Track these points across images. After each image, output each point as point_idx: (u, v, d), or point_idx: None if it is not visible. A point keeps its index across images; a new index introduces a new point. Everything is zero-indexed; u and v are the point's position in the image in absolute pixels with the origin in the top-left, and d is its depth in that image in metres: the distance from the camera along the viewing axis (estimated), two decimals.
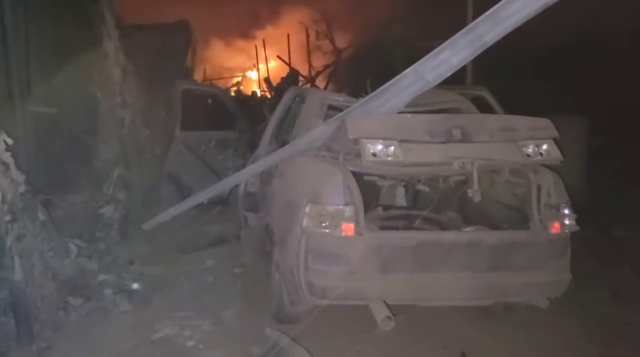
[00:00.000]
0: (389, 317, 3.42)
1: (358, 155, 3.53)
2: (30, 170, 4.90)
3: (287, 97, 5.28)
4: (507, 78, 10.63)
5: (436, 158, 3.49)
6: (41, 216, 4.09)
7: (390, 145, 3.40)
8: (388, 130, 3.48)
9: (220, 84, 18.16)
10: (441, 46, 3.32)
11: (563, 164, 7.70)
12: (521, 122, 3.74)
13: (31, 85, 5.94)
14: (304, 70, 17.29)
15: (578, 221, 3.81)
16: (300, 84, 16.42)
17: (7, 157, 3.72)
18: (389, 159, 3.40)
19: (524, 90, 10.22)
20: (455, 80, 7.82)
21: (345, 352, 3.83)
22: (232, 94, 17.28)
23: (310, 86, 16.55)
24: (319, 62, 17.75)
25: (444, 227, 4.11)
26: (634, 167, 8.39)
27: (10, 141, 3.70)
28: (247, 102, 13.96)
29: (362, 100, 3.81)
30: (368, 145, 3.41)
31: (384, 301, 3.54)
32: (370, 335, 3.92)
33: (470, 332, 4.13)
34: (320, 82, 16.89)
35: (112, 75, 6.46)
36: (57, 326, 4.03)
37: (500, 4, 3.09)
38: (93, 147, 6.23)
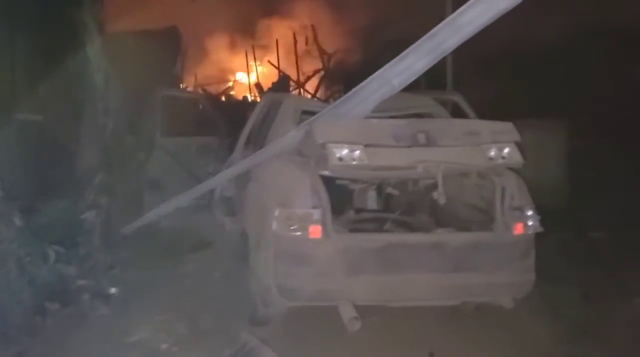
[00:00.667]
0: (355, 317, 3.50)
1: (326, 159, 3.61)
2: (13, 176, 4.99)
3: (263, 103, 5.38)
4: (492, 82, 10.82)
5: (401, 162, 3.58)
6: (17, 221, 4.15)
7: (355, 150, 3.49)
8: (354, 135, 3.57)
9: (212, 89, 18.28)
10: (405, 52, 3.42)
11: (542, 167, 7.82)
12: (484, 126, 3.84)
13: (16, 92, 6.01)
14: (295, 74, 17.43)
15: (542, 222, 3.91)
16: (291, 88, 16.57)
17: None
18: (355, 163, 3.49)
19: (509, 93, 10.36)
20: (435, 84, 7.99)
21: (316, 353, 3.90)
22: (223, 99, 17.43)
23: (300, 91, 16.71)
24: (310, 67, 17.88)
25: (413, 229, 4.19)
26: (617, 169, 8.49)
27: None
28: (238, 107, 14.05)
29: (331, 105, 3.90)
30: (334, 149, 3.49)
31: (352, 302, 3.62)
32: (341, 336, 3.98)
33: (440, 332, 4.19)
34: (311, 86, 17.04)
35: (95, 82, 6.54)
36: (33, 331, 4.06)
37: (458, 11, 3.19)
38: (77, 154, 6.30)
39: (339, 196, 4.47)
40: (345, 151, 3.48)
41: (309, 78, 17.36)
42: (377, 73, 3.55)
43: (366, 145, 3.52)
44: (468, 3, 3.17)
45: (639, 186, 7.67)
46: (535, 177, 7.14)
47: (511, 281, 3.77)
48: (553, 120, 8.15)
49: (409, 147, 3.59)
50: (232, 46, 19.36)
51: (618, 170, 8.35)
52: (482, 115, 5.32)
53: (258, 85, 17.50)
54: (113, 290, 4.84)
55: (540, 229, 3.84)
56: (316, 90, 16.60)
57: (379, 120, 3.84)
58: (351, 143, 3.49)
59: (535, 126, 7.87)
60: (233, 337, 4.00)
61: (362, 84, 3.64)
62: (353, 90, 3.71)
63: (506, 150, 3.70)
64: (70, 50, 6.53)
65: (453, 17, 3.23)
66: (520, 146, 3.76)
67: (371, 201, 4.59)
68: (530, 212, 3.81)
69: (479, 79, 10.74)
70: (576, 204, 7.48)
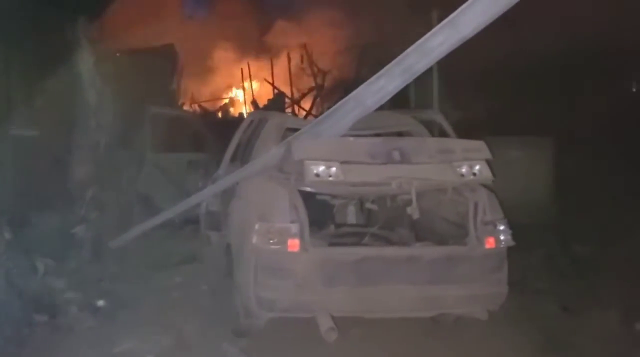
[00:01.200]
0: (332, 328, 3.63)
1: (304, 175, 3.76)
2: (5, 190, 5.13)
3: (248, 120, 5.55)
4: (484, 100, 11.03)
5: (375, 178, 3.73)
6: (7, 235, 4.27)
7: (332, 166, 3.65)
8: (330, 152, 3.73)
9: (209, 106, 18.53)
10: (377, 74, 3.60)
11: (530, 183, 7.92)
12: (457, 144, 4.00)
13: (12, 109, 6.16)
14: (291, 91, 17.69)
15: (529, 237, 4.05)
16: (286, 105, 16.81)
17: None
18: (331, 179, 3.65)
19: (498, 111, 10.56)
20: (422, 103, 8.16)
21: None
22: (220, 115, 17.65)
23: (294, 108, 16.96)
24: (305, 84, 18.14)
25: (391, 243, 4.32)
26: (604, 185, 8.62)
27: None
28: (233, 123, 14.20)
29: (310, 124, 4.07)
30: (311, 166, 3.65)
31: (330, 313, 3.74)
32: (323, 347, 4.07)
33: (421, 344, 4.27)
34: (307, 104, 17.29)
35: (88, 99, 6.72)
36: (21, 342, 4.15)
37: (425, 37, 3.38)
38: (70, 168, 6.46)
39: (321, 211, 4.63)
40: (321, 168, 3.65)
41: (303, 95, 17.61)
42: (351, 94, 3.73)
43: (342, 162, 3.68)
44: (434, 29, 3.36)
45: (626, 200, 7.83)
46: (523, 192, 7.37)
47: (484, 293, 3.90)
48: (541, 137, 8.30)
49: (383, 164, 3.75)
50: (229, 64, 19.66)
51: (605, 186, 8.50)
52: (474, 131, 5.47)
53: (254, 102, 17.72)
54: (101, 302, 4.93)
55: (512, 243, 3.98)
56: (311, 107, 16.83)
57: (355, 138, 4.00)
58: (327, 160, 3.65)
59: (523, 142, 8.08)
60: (216, 348, 4.13)
61: (338, 104, 3.81)
62: (330, 110, 3.88)
63: (477, 167, 3.86)
64: (65, 68, 6.71)
65: (421, 41, 3.42)
66: (490, 163, 3.91)
67: (351, 216, 4.74)
68: (502, 227, 3.95)
69: (472, 98, 10.99)
70: (565, 220, 7.62)
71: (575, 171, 8.71)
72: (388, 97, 3.72)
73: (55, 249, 5.37)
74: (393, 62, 3.52)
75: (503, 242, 3.93)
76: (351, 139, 3.99)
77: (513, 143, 7.97)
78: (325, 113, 3.94)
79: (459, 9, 3.26)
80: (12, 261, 4.26)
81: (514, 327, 4.52)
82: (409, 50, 3.46)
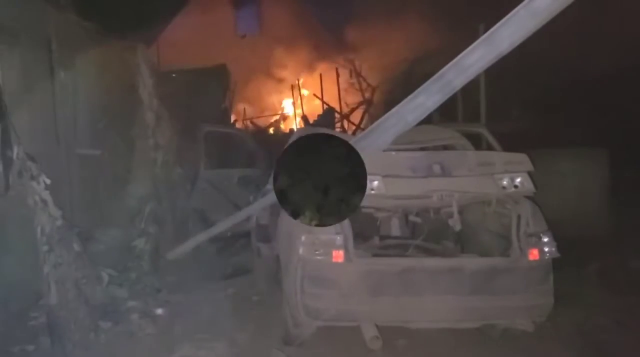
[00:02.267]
0: (376, 336, 3.74)
1: None
2: (73, 206, 5.52)
3: (295, 136, 5.77)
4: (535, 111, 10.88)
5: (417, 191, 3.85)
6: (76, 247, 4.62)
7: (374, 180, 3.79)
8: (373, 166, 3.87)
9: (260, 122, 19.02)
10: (416, 91, 3.73)
11: (585, 196, 7.79)
12: (498, 157, 4.06)
13: (77, 130, 6.61)
14: (340, 106, 17.93)
15: (568, 250, 4.05)
16: (336, 120, 17.04)
17: (47, 195, 4.29)
18: (373, 192, 3.78)
19: (553, 123, 10.39)
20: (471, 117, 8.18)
21: None
22: (271, 131, 18.08)
23: (342, 122, 17.17)
24: (354, 99, 18.35)
25: (435, 254, 4.40)
26: None
27: (48, 181, 4.27)
28: (284, 139, 14.53)
29: (353, 139, 4.23)
30: None
31: (374, 322, 3.86)
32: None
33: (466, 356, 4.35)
34: (355, 118, 17.48)
35: (146, 120, 7.12)
36: (87, 347, 4.46)
37: (462, 54, 3.48)
38: (129, 185, 6.85)
39: (366, 224, 4.76)
40: None
41: (352, 110, 17.79)
42: (392, 111, 3.86)
43: (384, 176, 3.81)
44: (472, 46, 3.47)
45: None
46: (577, 205, 7.23)
47: (528, 304, 3.91)
48: (596, 149, 8.14)
49: (424, 177, 3.86)
50: (279, 81, 20.15)
51: None
52: (525, 143, 5.44)
53: (304, 117, 18.04)
54: (159, 311, 5.23)
55: (556, 255, 3.98)
56: (360, 122, 16.98)
57: (396, 152, 4.13)
58: (370, 174, 3.79)
59: (577, 154, 7.94)
60: (266, 355, 4.32)
61: (379, 120, 3.96)
62: (372, 126, 4.03)
63: (518, 179, 3.90)
64: (125, 91, 7.14)
65: (459, 58, 3.53)
66: (532, 176, 3.94)
67: (395, 228, 4.84)
68: (546, 239, 3.96)
69: (524, 110, 10.86)
70: (619, 232, 7.42)
71: (631, 184, 8.46)
72: (428, 113, 3.83)
73: (117, 260, 5.73)
74: (432, 78, 3.64)
75: (547, 254, 3.94)
76: (393, 153, 4.13)
77: (567, 155, 7.86)
78: (368, 129, 4.10)
79: (496, 26, 3.35)
80: (80, 271, 4.59)
81: (565, 341, 4.49)
82: (447, 66, 3.58)
